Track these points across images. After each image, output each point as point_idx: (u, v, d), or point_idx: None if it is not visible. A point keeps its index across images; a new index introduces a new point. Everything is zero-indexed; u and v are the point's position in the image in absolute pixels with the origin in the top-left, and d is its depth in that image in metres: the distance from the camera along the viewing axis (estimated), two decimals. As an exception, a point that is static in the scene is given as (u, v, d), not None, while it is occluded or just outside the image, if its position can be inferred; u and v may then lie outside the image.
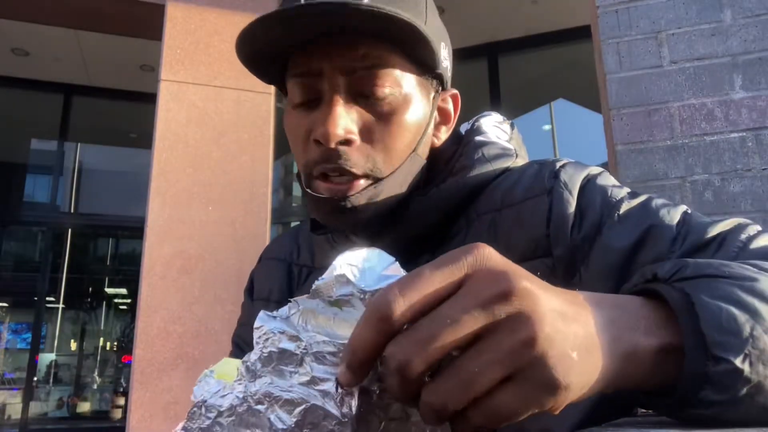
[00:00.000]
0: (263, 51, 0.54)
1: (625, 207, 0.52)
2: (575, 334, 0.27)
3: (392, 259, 0.29)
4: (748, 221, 0.48)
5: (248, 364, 0.30)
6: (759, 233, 0.47)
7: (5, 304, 7.16)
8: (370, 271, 0.28)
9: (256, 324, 0.30)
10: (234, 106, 2.97)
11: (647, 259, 0.48)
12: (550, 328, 0.26)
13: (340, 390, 0.27)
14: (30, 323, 6.12)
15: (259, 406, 0.29)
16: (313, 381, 0.28)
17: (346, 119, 0.52)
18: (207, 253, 2.75)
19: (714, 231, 0.48)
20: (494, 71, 4.81)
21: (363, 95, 0.53)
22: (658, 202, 0.53)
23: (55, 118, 5.71)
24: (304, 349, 0.29)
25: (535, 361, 0.25)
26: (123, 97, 5.66)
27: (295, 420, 0.28)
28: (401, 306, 0.26)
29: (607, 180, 0.56)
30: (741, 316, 0.31)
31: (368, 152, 0.53)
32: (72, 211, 6.47)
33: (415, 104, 0.55)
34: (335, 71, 0.52)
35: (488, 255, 0.28)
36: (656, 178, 1.62)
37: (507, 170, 0.60)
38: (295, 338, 0.29)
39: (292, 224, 6.01)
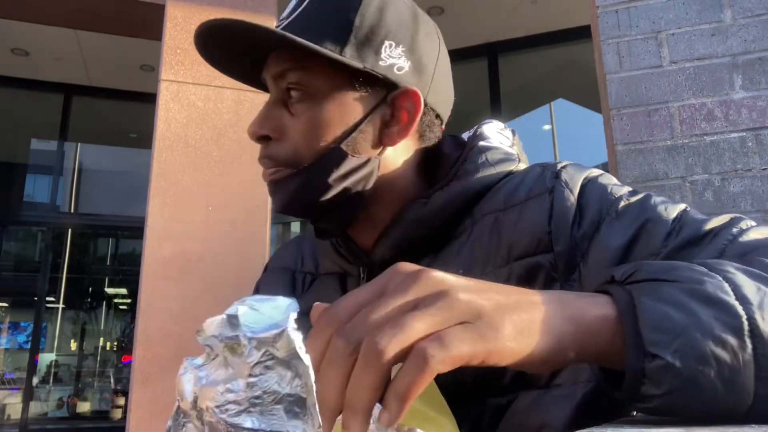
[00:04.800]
0: (233, 57, 0.63)
1: (623, 204, 0.54)
2: (494, 299, 0.32)
3: (292, 311, 0.29)
4: (743, 217, 0.49)
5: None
6: (750, 228, 0.48)
7: (5, 304, 7.16)
8: (263, 318, 0.28)
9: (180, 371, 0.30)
10: (234, 106, 2.97)
11: (641, 254, 0.50)
12: (465, 294, 0.31)
13: None
14: (30, 323, 6.12)
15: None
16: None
17: (264, 119, 0.60)
18: (207, 253, 2.75)
19: (708, 226, 0.49)
20: (494, 71, 4.80)
21: (288, 99, 0.60)
22: (657, 199, 0.54)
23: (55, 118, 5.71)
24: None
25: (463, 316, 0.30)
26: (123, 97, 5.66)
27: None
28: (343, 311, 0.31)
29: (608, 179, 0.58)
30: (675, 315, 0.34)
31: (285, 146, 0.60)
32: (72, 211, 6.48)
33: (332, 106, 0.59)
34: (270, 79, 0.61)
35: (401, 265, 0.33)
36: (656, 178, 1.62)
37: (510, 174, 0.62)
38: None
39: (292, 224, 6.01)
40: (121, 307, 7.84)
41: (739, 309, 0.34)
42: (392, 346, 0.28)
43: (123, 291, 7.96)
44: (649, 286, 0.35)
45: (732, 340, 0.33)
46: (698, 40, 1.66)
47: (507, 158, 0.63)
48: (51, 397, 6.63)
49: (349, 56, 0.57)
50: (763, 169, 1.54)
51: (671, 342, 0.33)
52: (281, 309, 0.28)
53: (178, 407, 0.31)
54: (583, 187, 0.56)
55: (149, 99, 3.29)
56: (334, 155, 0.58)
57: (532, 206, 0.56)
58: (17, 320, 7.00)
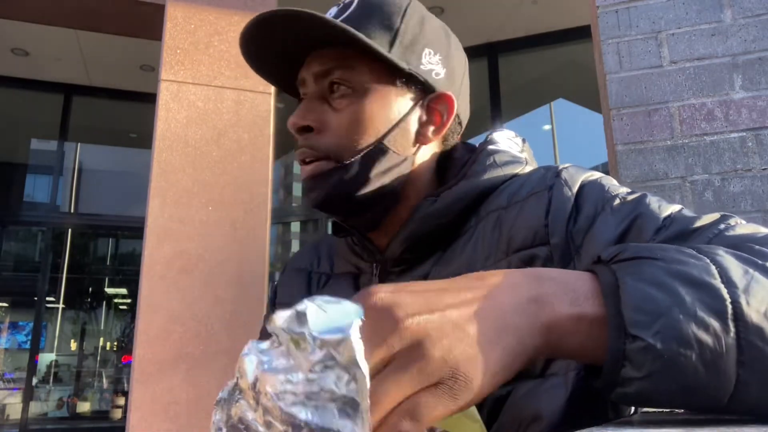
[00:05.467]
0: (269, 58, 0.65)
1: (618, 201, 0.56)
2: (470, 335, 0.31)
3: (358, 317, 0.30)
4: (732, 215, 0.50)
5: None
6: (738, 224, 0.49)
7: (5, 304, 7.16)
8: (330, 320, 0.29)
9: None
10: (234, 106, 2.97)
11: None
12: (444, 345, 0.30)
13: None
14: (30, 323, 6.12)
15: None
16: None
17: (306, 111, 0.62)
18: (207, 252, 2.75)
19: (698, 223, 0.50)
20: (494, 71, 4.81)
21: (331, 94, 0.62)
22: (652, 198, 0.55)
23: (55, 118, 5.71)
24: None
25: (437, 378, 0.29)
26: (123, 97, 5.66)
27: None
28: None
29: (608, 181, 0.60)
30: (658, 296, 0.33)
31: (326, 138, 0.61)
32: (72, 211, 6.48)
33: (376, 102, 0.61)
34: (311, 77, 0.62)
35: (374, 293, 0.31)
36: (656, 178, 1.62)
37: (516, 176, 0.65)
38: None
39: (292, 225, 6.01)
40: (121, 307, 7.84)
41: (724, 292, 0.33)
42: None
43: (123, 291, 7.96)
44: (634, 265, 0.35)
45: (715, 323, 0.33)
46: (698, 40, 1.66)
47: (514, 161, 0.66)
48: (51, 397, 6.63)
49: (396, 58, 0.61)
50: (763, 169, 1.54)
51: (653, 323, 0.32)
52: (348, 314, 0.29)
53: (237, 383, 0.32)
54: (582, 185, 0.59)
55: (149, 99, 3.29)
56: (377, 150, 0.61)
57: (531, 202, 0.59)
58: (17, 320, 7.01)
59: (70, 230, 6.68)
